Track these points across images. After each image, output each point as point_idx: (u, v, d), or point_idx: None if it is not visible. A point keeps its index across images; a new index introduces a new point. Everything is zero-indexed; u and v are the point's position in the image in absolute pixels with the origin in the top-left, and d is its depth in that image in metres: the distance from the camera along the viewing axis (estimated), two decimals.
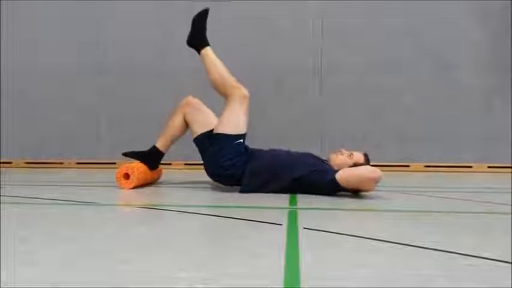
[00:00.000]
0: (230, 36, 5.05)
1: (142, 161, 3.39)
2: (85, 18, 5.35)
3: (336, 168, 3.08)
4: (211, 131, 3.28)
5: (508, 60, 5.04)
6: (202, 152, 3.33)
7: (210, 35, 3.37)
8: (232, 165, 3.18)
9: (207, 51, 3.35)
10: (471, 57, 5.10)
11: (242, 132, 3.26)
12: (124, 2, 5.28)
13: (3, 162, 5.33)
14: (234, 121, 3.24)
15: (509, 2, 5.03)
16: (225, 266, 1.46)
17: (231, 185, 3.27)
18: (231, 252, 1.65)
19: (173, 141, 3.46)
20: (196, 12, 3.37)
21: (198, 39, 3.36)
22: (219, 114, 3.33)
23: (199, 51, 3.37)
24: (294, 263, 1.48)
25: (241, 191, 3.16)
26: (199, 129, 3.33)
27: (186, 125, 3.41)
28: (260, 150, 3.31)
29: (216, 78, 3.31)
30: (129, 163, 3.38)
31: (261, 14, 5.19)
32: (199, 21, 3.36)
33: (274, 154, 3.26)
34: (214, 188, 3.38)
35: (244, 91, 3.26)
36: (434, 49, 5.11)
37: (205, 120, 3.34)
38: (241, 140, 3.25)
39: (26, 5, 5.39)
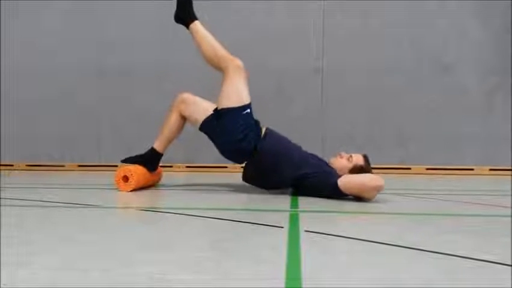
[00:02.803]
0: (230, 38, 5.04)
1: (141, 165, 3.38)
2: (85, 19, 5.35)
3: (337, 172, 3.08)
4: (215, 110, 3.25)
5: (508, 61, 5.03)
6: (211, 133, 3.28)
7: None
8: (245, 137, 3.16)
9: (196, 25, 3.32)
10: (472, 58, 5.09)
11: (246, 102, 3.22)
12: (125, 4, 5.29)
13: (4, 165, 5.33)
14: (235, 93, 3.20)
15: (510, 2, 5.03)
16: (226, 269, 1.46)
17: (243, 162, 3.26)
18: (233, 255, 1.65)
19: (170, 141, 3.42)
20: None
21: (185, 13, 3.33)
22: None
23: (187, 26, 3.34)
24: (296, 266, 1.48)
25: (244, 177, 3.17)
26: (201, 116, 3.28)
27: (183, 123, 3.38)
28: (276, 135, 3.28)
29: (208, 52, 3.28)
30: (129, 166, 3.37)
31: (261, 15, 5.19)
32: None
33: (286, 144, 3.24)
34: (215, 191, 3.38)
35: (237, 61, 3.24)
36: (435, 50, 5.11)
37: (204, 108, 3.30)
38: (248, 110, 3.22)
39: (25, 5, 5.40)
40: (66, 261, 1.52)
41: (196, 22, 3.33)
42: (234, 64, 3.22)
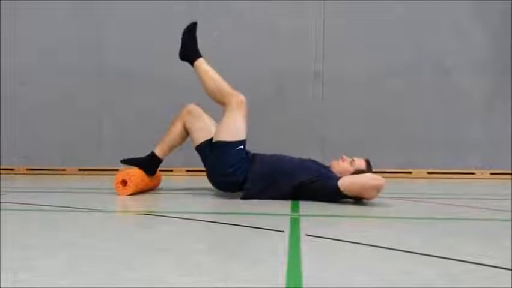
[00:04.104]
0: (231, 43, 5.06)
1: (139, 168, 3.38)
2: (86, 22, 5.36)
3: (338, 175, 3.08)
4: (212, 139, 3.29)
5: (508, 64, 5.03)
6: (203, 160, 3.33)
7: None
8: (234, 171, 3.18)
9: (200, 62, 3.38)
10: (472, 61, 5.10)
11: (242, 138, 3.26)
12: (125, 6, 5.30)
13: (5, 169, 5.33)
14: (232, 128, 3.24)
15: (509, 3, 5.03)
16: (227, 272, 1.46)
17: (234, 192, 3.27)
18: (233, 259, 1.65)
19: (172, 148, 3.46)
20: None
21: (189, 52, 3.40)
22: (220, 120, 3.33)
23: (192, 63, 3.40)
24: (296, 270, 1.47)
25: (243, 197, 3.16)
26: (200, 137, 3.32)
27: (186, 133, 3.41)
28: (263, 156, 3.30)
29: (211, 88, 3.33)
30: (128, 170, 3.38)
31: (261, 20, 5.20)
32: (189, 35, 3.40)
33: (275, 160, 3.26)
34: (215, 195, 3.38)
35: (241, 97, 3.28)
36: (435, 53, 5.12)
37: (205, 127, 3.33)
38: (242, 146, 3.25)
39: (25, 8, 5.41)
40: (66, 265, 1.52)
41: (201, 59, 3.39)
42: (238, 99, 3.26)
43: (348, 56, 5.14)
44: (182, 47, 3.42)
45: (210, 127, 3.34)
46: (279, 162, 3.23)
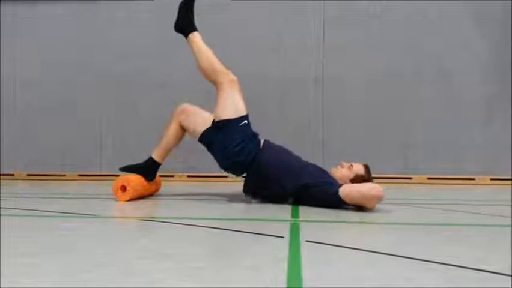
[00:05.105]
0: (231, 48, 5.07)
1: (139, 174, 3.37)
2: (87, 25, 5.37)
3: (338, 181, 3.08)
4: (213, 122, 3.27)
5: (508, 70, 5.03)
6: (210, 145, 3.30)
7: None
8: (241, 150, 3.17)
9: (195, 36, 3.37)
10: (472, 68, 5.09)
11: (243, 113, 3.26)
12: (125, 10, 5.31)
13: (5, 174, 5.33)
14: (231, 105, 3.24)
15: (510, 10, 5.04)
16: (226, 278, 1.46)
17: (241, 174, 3.27)
18: (233, 265, 1.65)
19: (169, 151, 3.44)
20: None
21: (185, 24, 3.38)
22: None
23: (186, 36, 3.39)
24: (296, 276, 1.47)
25: (245, 190, 3.18)
26: (201, 128, 3.30)
27: (182, 133, 3.40)
28: (273, 145, 3.30)
29: (204, 65, 3.32)
30: (127, 175, 3.37)
31: (261, 25, 5.20)
32: (186, 7, 3.38)
33: (285, 154, 3.25)
34: (215, 200, 3.38)
35: (232, 76, 3.29)
36: (435, 59, 5.12)
37: (203, 119, 3.32)
38: (246, 121, 3.25)
39: (25, 11, 5.42)
40: (66, 271, 1.52)
41: (195, 33, 3.37)
42: (229, 78, 3.27)
43: (348, 63, 5.14)
44: (178, 19, 3.41)
45: (208, 118, 3.33)
46: (288, 158, 3.22)
